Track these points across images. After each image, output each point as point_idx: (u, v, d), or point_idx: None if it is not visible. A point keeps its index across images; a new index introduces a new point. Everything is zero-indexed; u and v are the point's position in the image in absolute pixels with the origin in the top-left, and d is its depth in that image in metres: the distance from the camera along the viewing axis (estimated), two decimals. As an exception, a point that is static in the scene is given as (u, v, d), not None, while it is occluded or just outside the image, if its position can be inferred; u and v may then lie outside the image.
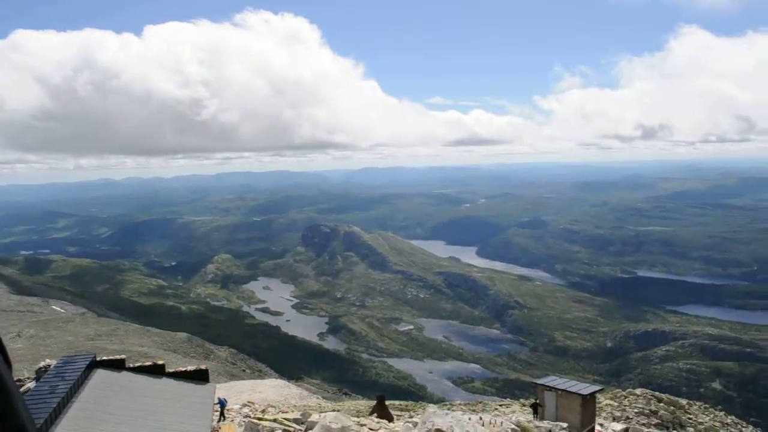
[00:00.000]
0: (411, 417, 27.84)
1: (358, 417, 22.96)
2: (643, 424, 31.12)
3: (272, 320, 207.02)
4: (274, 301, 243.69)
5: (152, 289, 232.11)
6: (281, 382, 63.78)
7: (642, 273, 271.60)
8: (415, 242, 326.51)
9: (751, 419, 73.17)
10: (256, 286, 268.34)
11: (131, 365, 19.74)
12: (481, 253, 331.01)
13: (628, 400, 37.57)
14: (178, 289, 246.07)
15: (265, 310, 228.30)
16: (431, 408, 32.64)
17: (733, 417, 44.26)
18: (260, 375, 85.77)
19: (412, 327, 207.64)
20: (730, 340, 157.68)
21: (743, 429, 40.00)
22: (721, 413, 43.63)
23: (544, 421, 25.17)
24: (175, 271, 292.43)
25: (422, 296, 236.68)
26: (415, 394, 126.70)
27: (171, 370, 20.39)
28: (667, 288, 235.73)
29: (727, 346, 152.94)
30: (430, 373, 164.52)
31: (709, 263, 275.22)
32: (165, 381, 19.53)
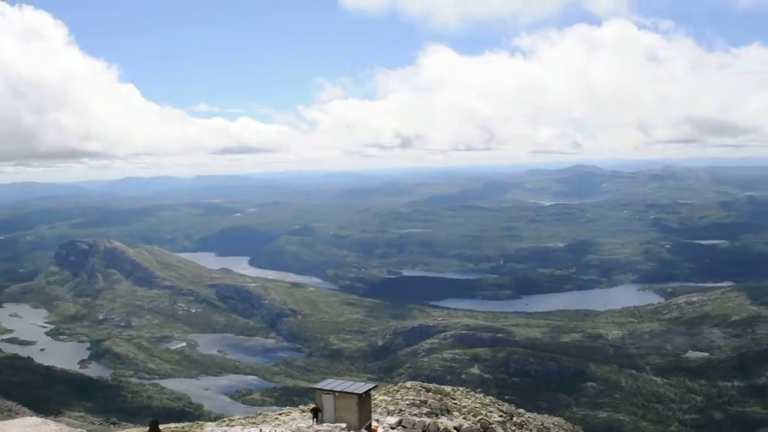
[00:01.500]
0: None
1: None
2: (415, 414, 32.38)
3: (22, 351, 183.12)
4: (24, 329, 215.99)
5: None
6: (37, 420, 56.24)
7: (406, 273, 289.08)
8: (183, 255, 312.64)
9: (506, 397, 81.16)
10: (1, 315, 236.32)
11: None
12: (253, 263, 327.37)
13: (400, 394, 38.95)
14: None
15: (12, 341, 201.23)
16: (209, 426, 30.94)
17: (491, 397, 48.11)
18: (9, 415, 75.26)
19: (184, 344, 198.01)
20: (485, 329, 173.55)
21: (500, 407, 43.67)
22: (481, 395, 47.41)
23: (324, 424, 25.03)
24: None
25: (194, 311, 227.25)
26: (191, 414, 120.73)
27: None
28: (429, 285, 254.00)
29: (483, 334, 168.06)
30: (207, 390, 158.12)
31: (464, 260, 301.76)
32: None
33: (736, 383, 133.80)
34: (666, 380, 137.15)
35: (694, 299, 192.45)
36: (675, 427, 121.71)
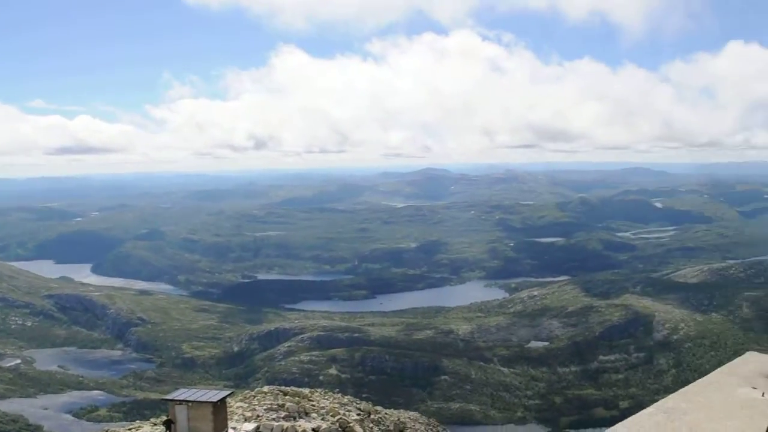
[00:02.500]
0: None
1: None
2: (272, 419, 31.86)
3: None
4: None
5: None
6: None
7: (261, 276, 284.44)
8: (16, 264, 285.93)
9: (364, 395, 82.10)
10: None
11: None
12: (97, 270, 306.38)
13: (257, 399, 38.17)
14: None
15: None
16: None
17: (349, 396, 48.41)
18: None
19: (19, 361, 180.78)
20: (341, 329, 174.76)
21: (358, 405, 44.03)
22: (339, 395, 47.58)
23: (179, 436, 23.93)
24: None
25: (30, 324, 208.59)
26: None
27: None
28: (285, 288, 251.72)
29: (339, 335, 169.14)
30: (46, 409, 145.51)
31: (319, 262, 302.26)
32: None
33: (573, 368, 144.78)
34: (512, 370, 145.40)
35: (536, 293, 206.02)
36: (521, 412, 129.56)
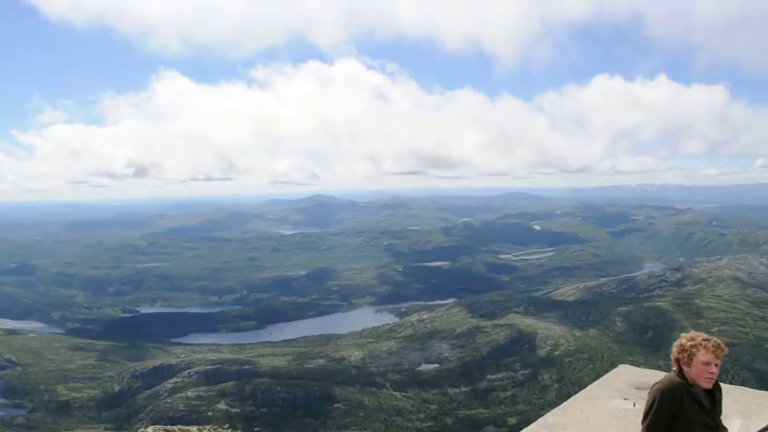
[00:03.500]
0: None
1: None
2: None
3: None
4: None
5: None
6: None
7: (144, 310, 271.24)
8: None
9: (255, 429, 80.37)
10: None
11: None
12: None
13: (144, 439, 36.73)
14: None
15: None
16: None
17: (240, 431, 47.43)
18: None
19: None
20: (230, 362, 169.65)
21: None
22: (229, 430, 46.43)
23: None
24: None
25: None
26: None
27: None
28: (170, 321, 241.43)
29: (228, 368, 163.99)
30: None
31: (206, 293, 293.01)
32: None
33: (462, 389, 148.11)
34: (404, 394, 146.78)
35: (425, 316, 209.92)
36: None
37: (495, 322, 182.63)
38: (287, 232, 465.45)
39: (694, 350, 6.69)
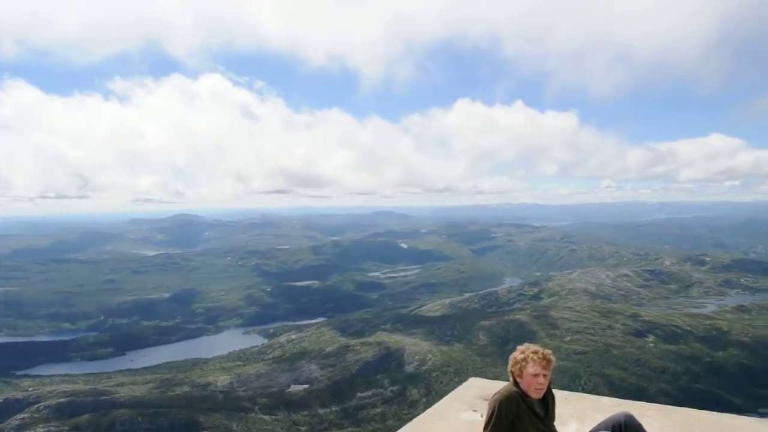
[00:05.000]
0: None
1: None
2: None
3: None
4: None
5: None
6: None
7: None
8: None
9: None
10: None
11: None
12: None
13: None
14: None
15: None
16: None
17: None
18: None
19: None
20: (85, 393, 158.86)
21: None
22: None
23: None
24: None
25: None
26: None
27: None
28: (16, 352, 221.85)
29: (83, 399, 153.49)
30: None
31: (58, 319, 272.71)
32: None
33: (333, 408, 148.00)
34: (273, 417, 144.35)
35: (294, 337, 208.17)
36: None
37: (364, 340, 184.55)
38: (149, 252, 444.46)
39: (524, 363, 7.27)
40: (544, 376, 7.26)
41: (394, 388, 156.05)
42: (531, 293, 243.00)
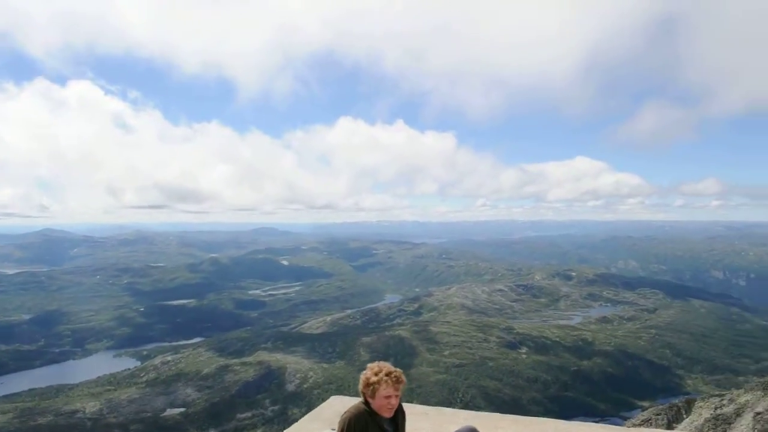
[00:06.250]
0: None
1: None
2: None
3: None
4: None
5: None
6: None
7: None
8: None
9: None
10: None
11: None
12: None
13: None
14: None
15: None
16: None
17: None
18: None
19: None
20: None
21: None
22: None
23: None
24: None
25: None
26: None
27: None
28: None
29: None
30: None
31: None
32: None
33: (210, 431, 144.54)
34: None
35: (169, 358, 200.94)
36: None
37: (244, 359, 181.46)
38: (9, 270, 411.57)
39: (377, 386, 7.54)
40: (396, 396, 7.61)
41: (275, 407, 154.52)
42: (411, 309, 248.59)
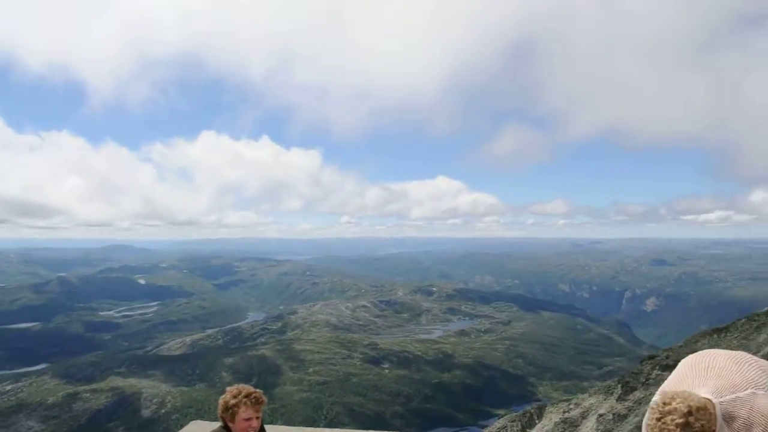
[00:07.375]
0: None
1: None
2: None
3: None
4: None
5: None
6: None
7: None
8: None
9: None
10: None
11: None
12: None
13: None
14: None
15: None
16: None
17: None
18: None
19: None
20: None
21: None
22: None
23: None
24: None
25: None
26: None
27: None
28: None
29: None
30: None
31: None
32: None
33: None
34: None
35: (8, 388, 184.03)
36: None
37: (94, 386, 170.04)
38: None
39: (236, 409, 7.25)
40: (257, 418, 7.50)
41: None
42: (275, 327, 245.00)
